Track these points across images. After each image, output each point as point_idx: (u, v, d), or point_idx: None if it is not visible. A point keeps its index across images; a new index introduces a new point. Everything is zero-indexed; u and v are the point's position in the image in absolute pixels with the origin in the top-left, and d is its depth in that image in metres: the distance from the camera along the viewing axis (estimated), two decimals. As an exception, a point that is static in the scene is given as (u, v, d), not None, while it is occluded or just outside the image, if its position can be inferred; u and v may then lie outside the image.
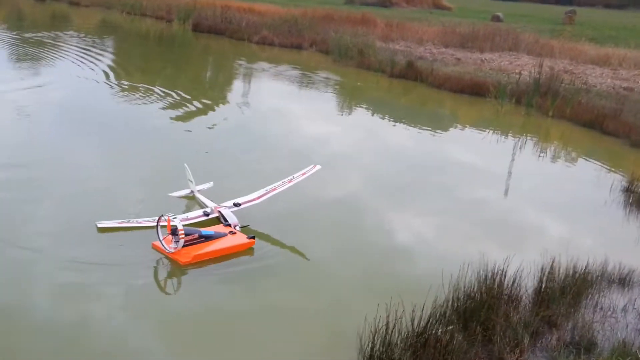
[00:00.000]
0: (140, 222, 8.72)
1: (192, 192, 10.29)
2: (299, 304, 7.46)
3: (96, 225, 8.54)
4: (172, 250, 7.94)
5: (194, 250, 8.03)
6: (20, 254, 7.91)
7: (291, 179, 10.58)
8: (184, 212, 9.66)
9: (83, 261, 7.77)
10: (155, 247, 8.19)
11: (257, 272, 8.04)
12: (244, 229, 8.87)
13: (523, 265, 7.60)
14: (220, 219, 9.22)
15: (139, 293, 7.35)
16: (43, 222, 8.89)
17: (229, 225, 8.84)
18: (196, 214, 9.38)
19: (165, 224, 8.08)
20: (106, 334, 6.49)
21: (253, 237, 8.54)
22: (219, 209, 9.39)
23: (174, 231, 7.88)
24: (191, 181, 10.29)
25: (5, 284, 7.24)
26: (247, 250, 8.50)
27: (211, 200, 9.83)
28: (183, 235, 7.86)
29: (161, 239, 7.99)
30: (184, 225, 8.08)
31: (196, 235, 8.19)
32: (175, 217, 8.34)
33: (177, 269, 7.93)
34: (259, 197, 9.98)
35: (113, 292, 7.23)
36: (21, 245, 8.12)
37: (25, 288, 7.19)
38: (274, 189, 10.26)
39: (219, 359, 6.38)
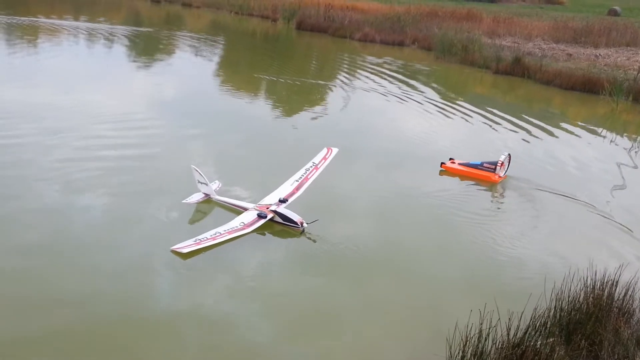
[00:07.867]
0: (220, 236, 8.06)
1: (207, 195, 9.40)
2: (396, 299, 7.22)
3: (179, 252, 7.69)
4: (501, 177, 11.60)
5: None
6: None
7: (316, 166, 10.29)
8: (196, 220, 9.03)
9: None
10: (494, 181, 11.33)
11: (361, 267, 7.89)
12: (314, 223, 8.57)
13: (638, 275, 6.90)
14: (276, 219, 8.66)
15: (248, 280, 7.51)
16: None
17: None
18: (251, 218, 8.61)
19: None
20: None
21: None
22: (271, 209, 8.78)
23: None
24: (204, 183, 9.37)
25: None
26: (348, 245, 8.35)
27: (242, 201, 9.27)
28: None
29: (499, 172, 11.47)
30: None
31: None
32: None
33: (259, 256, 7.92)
34: (297, 189, 9.51)
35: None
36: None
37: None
38: (306, 179, 9.85)
39: (324, 342, 6.39)
